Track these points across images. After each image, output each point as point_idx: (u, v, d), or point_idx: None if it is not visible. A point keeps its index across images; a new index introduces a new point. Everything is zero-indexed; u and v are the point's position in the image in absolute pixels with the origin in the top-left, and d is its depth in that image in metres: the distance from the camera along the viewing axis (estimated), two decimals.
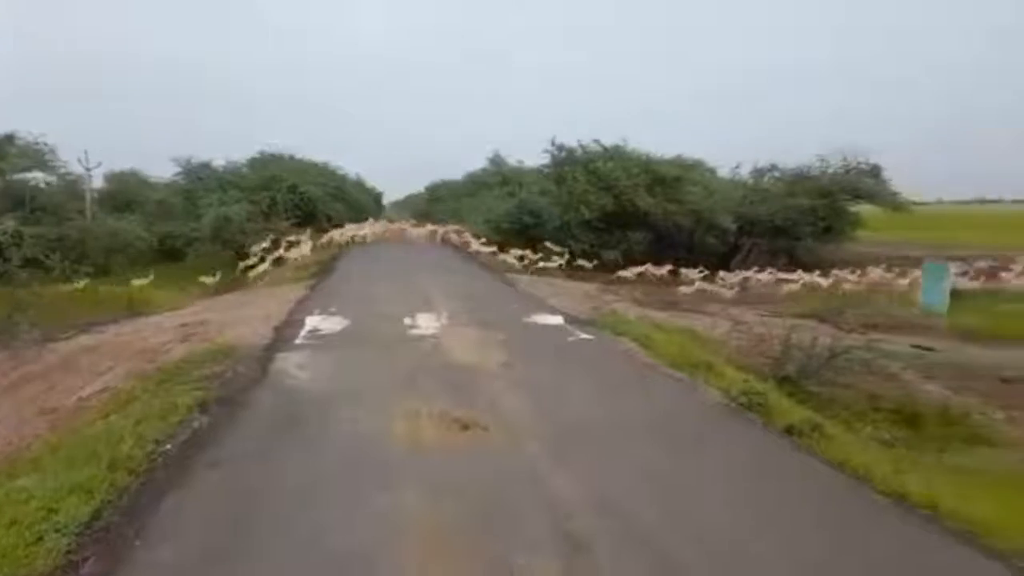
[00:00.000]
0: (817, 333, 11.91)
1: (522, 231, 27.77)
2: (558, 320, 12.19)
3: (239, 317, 12.42)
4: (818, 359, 9.74)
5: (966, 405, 9.78)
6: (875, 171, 32.56)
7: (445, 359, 8.99)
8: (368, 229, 30.93)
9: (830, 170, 32.24)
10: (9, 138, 28.20)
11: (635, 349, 9.97)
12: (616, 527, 4.40)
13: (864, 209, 33.18)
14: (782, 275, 23.90)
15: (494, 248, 26.05)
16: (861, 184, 31.44)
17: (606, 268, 24.27)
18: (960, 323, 15.90)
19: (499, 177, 42.04)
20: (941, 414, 9.24)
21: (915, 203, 36.06)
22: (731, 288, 21.49)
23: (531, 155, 39.20)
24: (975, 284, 22.96)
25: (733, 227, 27.92)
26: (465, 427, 6.22)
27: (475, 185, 45.34)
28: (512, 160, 43.95)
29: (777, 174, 33.29)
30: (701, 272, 23.03)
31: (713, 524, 4.51)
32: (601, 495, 4.85)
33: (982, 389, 10.64)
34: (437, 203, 54.74)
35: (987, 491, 6.75)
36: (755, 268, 24.77)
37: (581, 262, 24.18)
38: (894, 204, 32.44)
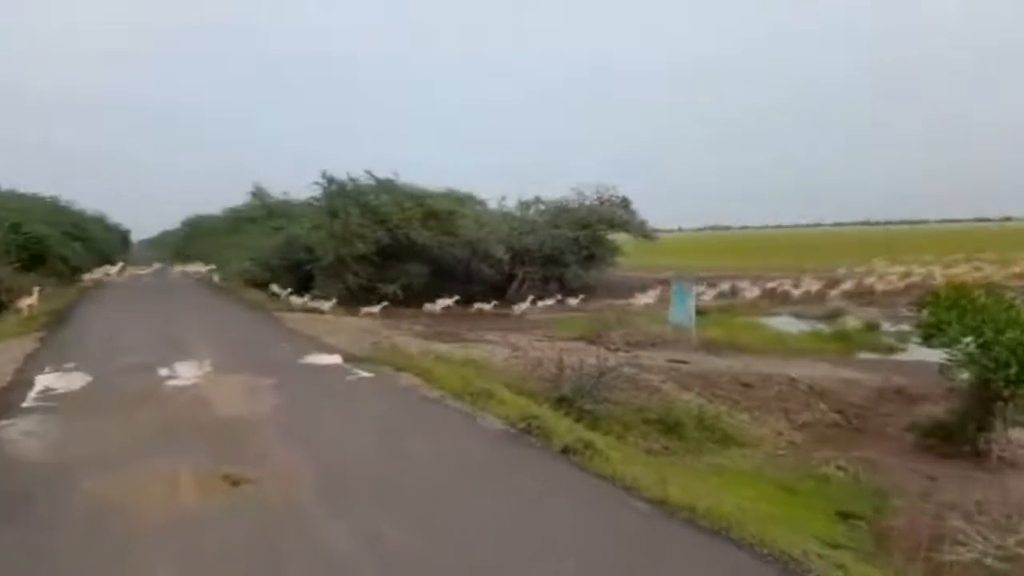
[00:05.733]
0: (586, 354, 12.57)
1: (294, 267, 26.39)
2: (335, 359, 11.57)
3: None
4: (590, 378, 10.20)
5: (717, 410, 10.83)
6: (625, 203, 35.83)
7: (208, 411, 8.08)
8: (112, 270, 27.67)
9: (587, 202, 34.88)
10: None
11: (418, 384, 9.75)
12: (393, 569, 4.18)
13: (619, 237, 36.28)
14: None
15: (263, 286, 24.56)
16: (615, 215, 34.34)
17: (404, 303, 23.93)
18: (705, 337, 17.81)
19: (264, 211, 39.78)
20: (698, 420, 10.10)
21: (659, 231, 40.14)
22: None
23: (295, 187, 37.48)
24: (719, 302, 26.24)
25: (506, 257, 28.94)
26: (235, 483, 5.58)
27: (236, 220, 42.46)
28: (276, 192, 41.93)
29: (542, 206, 35.27)
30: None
31: (496, 551, 4.45)
32: (378, 539, 4.59)
33: (728, 394, 11.90)
34: (196, 240, 50.59)
35: (741, 487, 7.44)
36: (531, 295, 26.22)
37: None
38: (643, 232, 35.89)
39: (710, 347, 16.84)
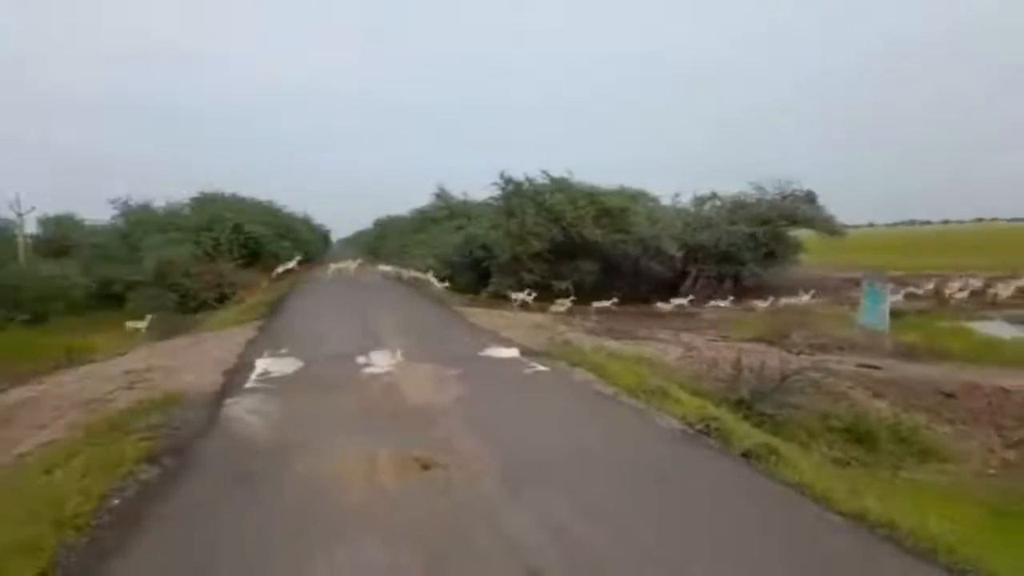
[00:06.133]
0: (766, 356, 12.18)
1: (473, 265, 27.73)
2: (513, 353, 12.13)
3: (186, 362, 12.01)
4: (770, 381, 9.91)
5: (915, 421, 10.10)
6: (810, 197, 33.73)
7: (401, 398, 8.83)
8: (342, 265, 32.23)
9: (767, 197, 33.30)
10: None
11: (592, 379, 9.96)
12: (578, 563, 4.35)
13: (801, 233, 34.25)
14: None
15: (446, 283, 26.04)
16: (798, 210, 32.45)
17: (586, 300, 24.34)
18: (900, 341, 16.49)
19: (446, 211, 42.14)
20: (892, 430, 9.50)
21: (848, 226, 37.36)
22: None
23: (474, 187, 39.52)
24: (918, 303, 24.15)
25: (679, 254, 28.40)
26: (425, 467, 6.11)
27: (422, 220, 45.30)
28: (457, 193, 44.27)
29: (718, 202, 34.16)
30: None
31: (680, 555, 4.49)
32: (561, 531, 4.78)
33: (927, 404, 11.02)
34: (385, 239, 54.51)
35: (944, 506, 6.95)
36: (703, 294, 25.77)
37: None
38: (830, 228, 33.55)
39: (906, 353, 15.59)
